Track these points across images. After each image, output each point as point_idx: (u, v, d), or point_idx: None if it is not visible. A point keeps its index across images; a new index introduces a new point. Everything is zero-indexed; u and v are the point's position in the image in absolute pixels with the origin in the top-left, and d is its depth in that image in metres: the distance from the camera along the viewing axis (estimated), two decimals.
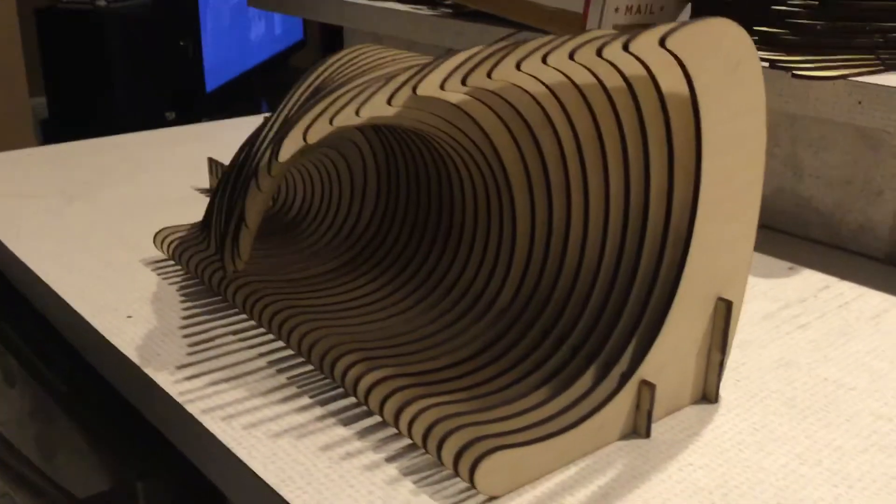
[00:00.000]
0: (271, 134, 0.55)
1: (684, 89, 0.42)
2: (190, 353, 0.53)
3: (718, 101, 0.43)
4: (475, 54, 0.45)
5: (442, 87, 0.44)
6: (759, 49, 0.71)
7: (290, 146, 0.47)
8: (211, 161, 0.83)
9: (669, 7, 0.84)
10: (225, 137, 1.03)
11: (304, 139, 0.47)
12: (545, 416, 0.44)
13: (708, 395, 0.50)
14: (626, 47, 0.40)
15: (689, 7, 0.85)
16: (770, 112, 0.73)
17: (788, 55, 0.67)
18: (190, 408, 0.48)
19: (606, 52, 0.40)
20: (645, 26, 0.41)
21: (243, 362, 0.53)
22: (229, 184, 0.59)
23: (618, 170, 0.46)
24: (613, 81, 0.43)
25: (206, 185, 0.85)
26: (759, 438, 0.47)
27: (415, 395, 0.45)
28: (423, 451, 0.44)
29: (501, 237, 0.54)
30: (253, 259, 0.61)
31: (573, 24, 0.81)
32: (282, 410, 0.48)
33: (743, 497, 0.42)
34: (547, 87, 0.45)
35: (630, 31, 0.41)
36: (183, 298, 0.61)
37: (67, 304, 0.60)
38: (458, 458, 0.41)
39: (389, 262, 0.60)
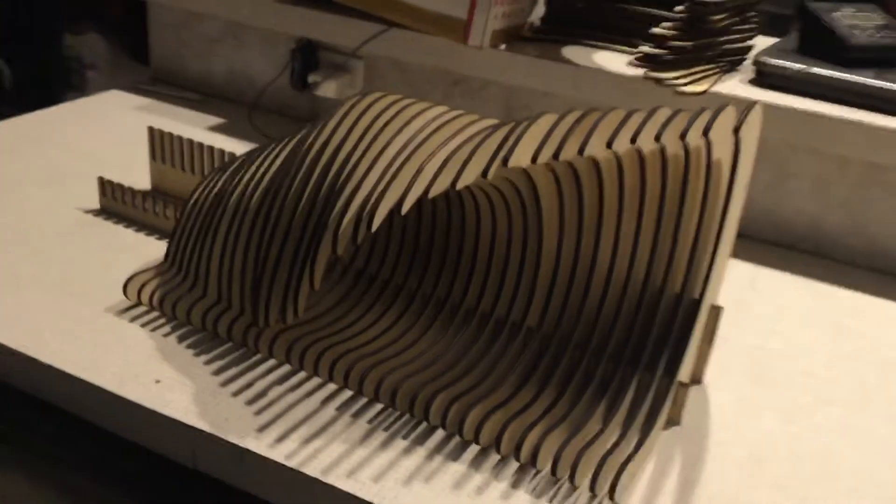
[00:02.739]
0: (315, 187, 0.55)
1: (729, 153, 0.52)
2: (257, 414, 0.54)
3: (747, 160, 0.54)
4: (558, 124, 0.51)
5: (534, 160, 0.50)
6: (640, 67, 0.83)
7: (381, 217, 0.50)
8: (104, 182, 0.77)
9: (527, 9, 0.94)
10: (54, 138, 0.94)
11: (399, 211, 0.50)
12: (625, 427, 0.54)
13: (696, 378, 0.63)
14: (706, 133, 0.49)
15: (541, 2, 0.95)
16: None
17: (663, 72, 0.80)
18: (308, 470, 0.50)
19: (689, 137, 0.49)
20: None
21: (315, 413, 0.55)
22: (243, 227, 0.58)
23: (653, 211, 0.56)
24: (674, 149, 0.52)
25: (95, 205, 0.79)
26: (751, 407, 0.61)
27: (539, 436, 0.52)
28: (551, 476, 0.51)
29: (523, 263, 0.61)
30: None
31: (455, 29, 0.87)
32: (392, 457, 0.52)
33: (772, 457, 0.55)
34: (615, 154, 0.53)
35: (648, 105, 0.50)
36: (195, 352, 0.60)
37: (80, 379, 0.56)
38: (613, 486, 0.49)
39: (393, 290, 0.64)
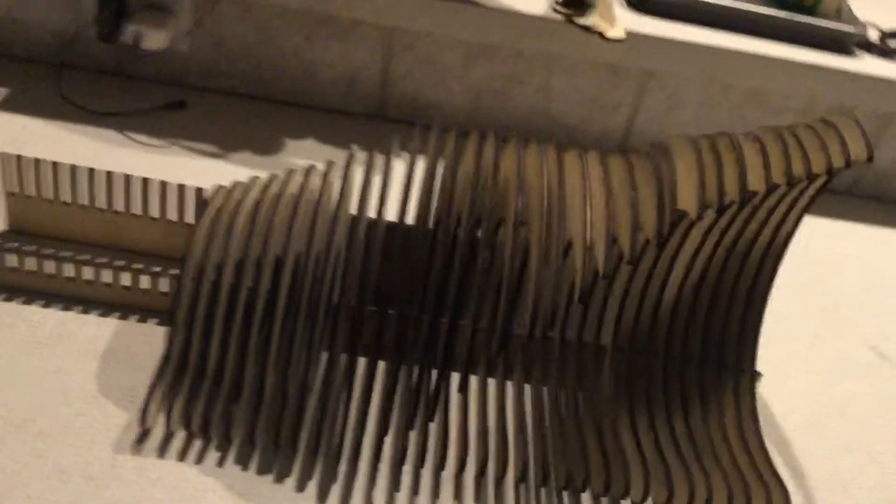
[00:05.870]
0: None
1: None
2: None
3: None
4: (700, 157, 0.47)
5: (700, 212, 0.46)
6: (562, 13, 0.77)
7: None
8: None
9: None
10: None
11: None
12: (740, 429, 0.55)
13: None
14: (847, 165, 0.49)
15: None
16: (529, 54, 0.82)
17: (582, 16, 0.76)
18: None
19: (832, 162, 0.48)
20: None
21: None
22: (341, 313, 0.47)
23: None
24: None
25: None
26: (772, 368, 0.65)
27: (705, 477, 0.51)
28: None
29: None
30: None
31: None
32: None
33: (821, 419, 0.61)
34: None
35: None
36: (275, 477, 0.48)
37: None
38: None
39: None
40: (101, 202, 0.60)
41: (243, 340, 0.49)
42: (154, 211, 0.60)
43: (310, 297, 0.47)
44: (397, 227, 0.47)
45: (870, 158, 0.49)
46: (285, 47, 0.83)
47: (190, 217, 0.60)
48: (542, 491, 0.51)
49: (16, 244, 0.60)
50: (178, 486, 0.47)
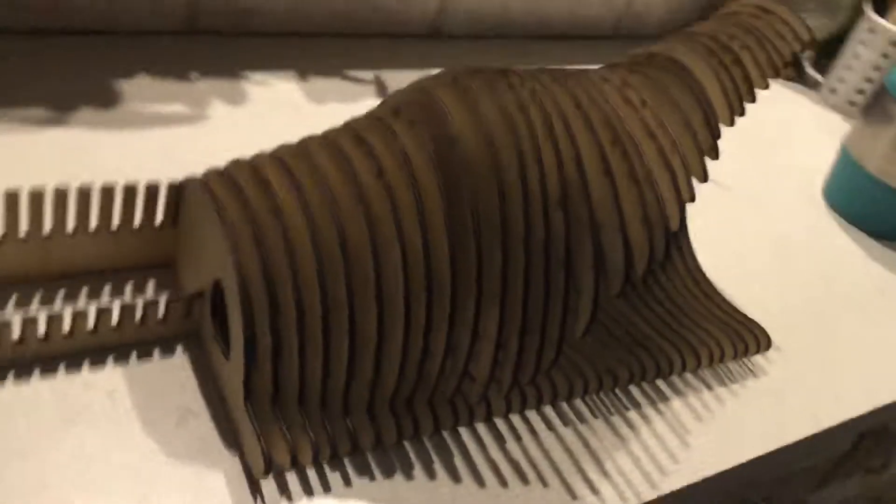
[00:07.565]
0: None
1: None
2: None
3: None
4: (719, 76, 0.51)
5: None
6: None
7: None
8: None
9: None
10: None
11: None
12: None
13: None
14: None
15: None
16: None
17: None
18: None
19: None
20: None
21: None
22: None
23: None
24: None
25: None
26: None
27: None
28: None
29: None
30: None
31: None
32: None
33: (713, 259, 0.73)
34: None
35: None
36: None
37: None
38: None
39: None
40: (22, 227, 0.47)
41: (351, 340, 0.44)
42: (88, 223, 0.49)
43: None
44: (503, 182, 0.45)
45: (812, 41, 0.57)
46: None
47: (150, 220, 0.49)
48: (611, 394, 0.56)
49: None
50: None
